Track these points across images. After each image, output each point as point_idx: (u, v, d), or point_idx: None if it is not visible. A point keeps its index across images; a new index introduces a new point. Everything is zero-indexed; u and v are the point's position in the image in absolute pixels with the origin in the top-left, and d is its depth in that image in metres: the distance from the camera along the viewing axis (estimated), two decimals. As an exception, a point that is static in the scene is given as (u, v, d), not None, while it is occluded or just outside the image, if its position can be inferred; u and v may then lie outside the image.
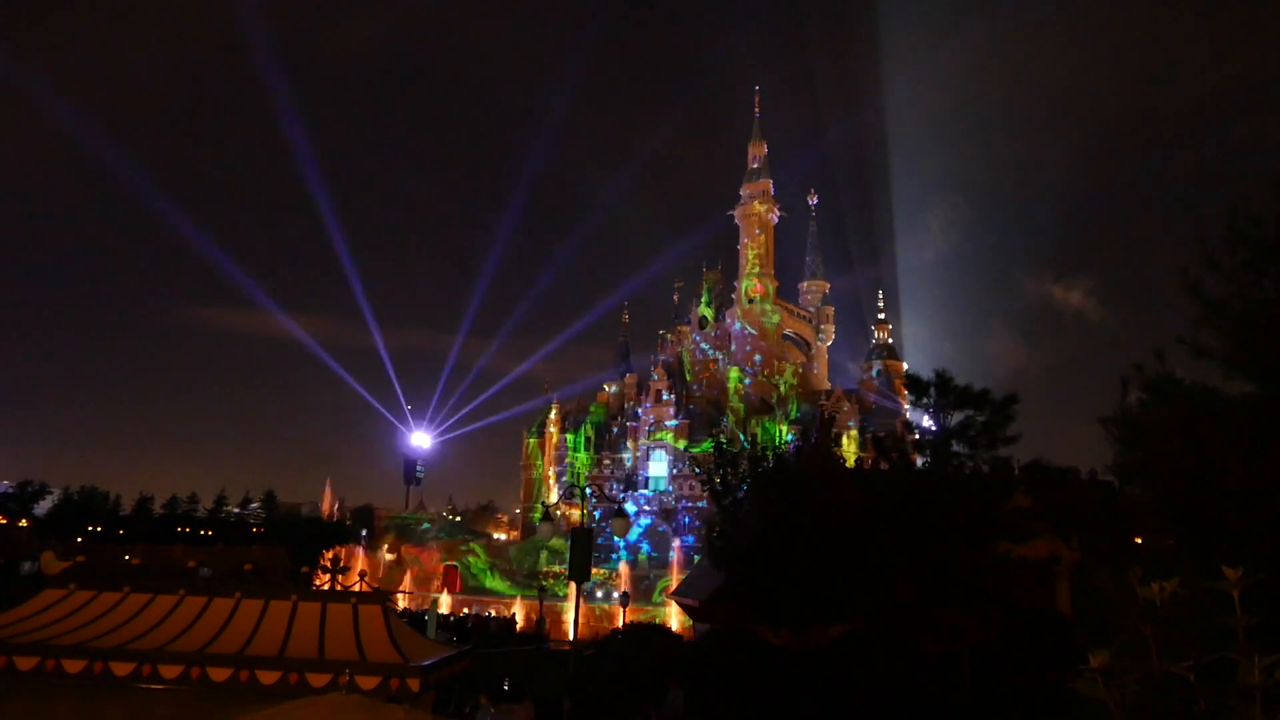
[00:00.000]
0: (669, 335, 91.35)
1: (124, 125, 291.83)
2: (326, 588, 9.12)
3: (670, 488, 77.58)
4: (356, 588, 9.01)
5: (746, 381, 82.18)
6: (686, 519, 73.08)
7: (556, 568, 61.37)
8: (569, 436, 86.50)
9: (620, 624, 37.49)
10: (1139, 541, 11.80)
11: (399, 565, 60.75)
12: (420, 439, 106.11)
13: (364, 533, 79.34)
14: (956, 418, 17.89)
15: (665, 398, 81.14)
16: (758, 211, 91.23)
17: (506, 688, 17.84)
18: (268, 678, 7.54)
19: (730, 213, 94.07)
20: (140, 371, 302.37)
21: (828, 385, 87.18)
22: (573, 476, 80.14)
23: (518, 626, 47.51)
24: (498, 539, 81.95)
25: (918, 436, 18.65)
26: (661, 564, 66.21)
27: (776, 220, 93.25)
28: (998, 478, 17.57)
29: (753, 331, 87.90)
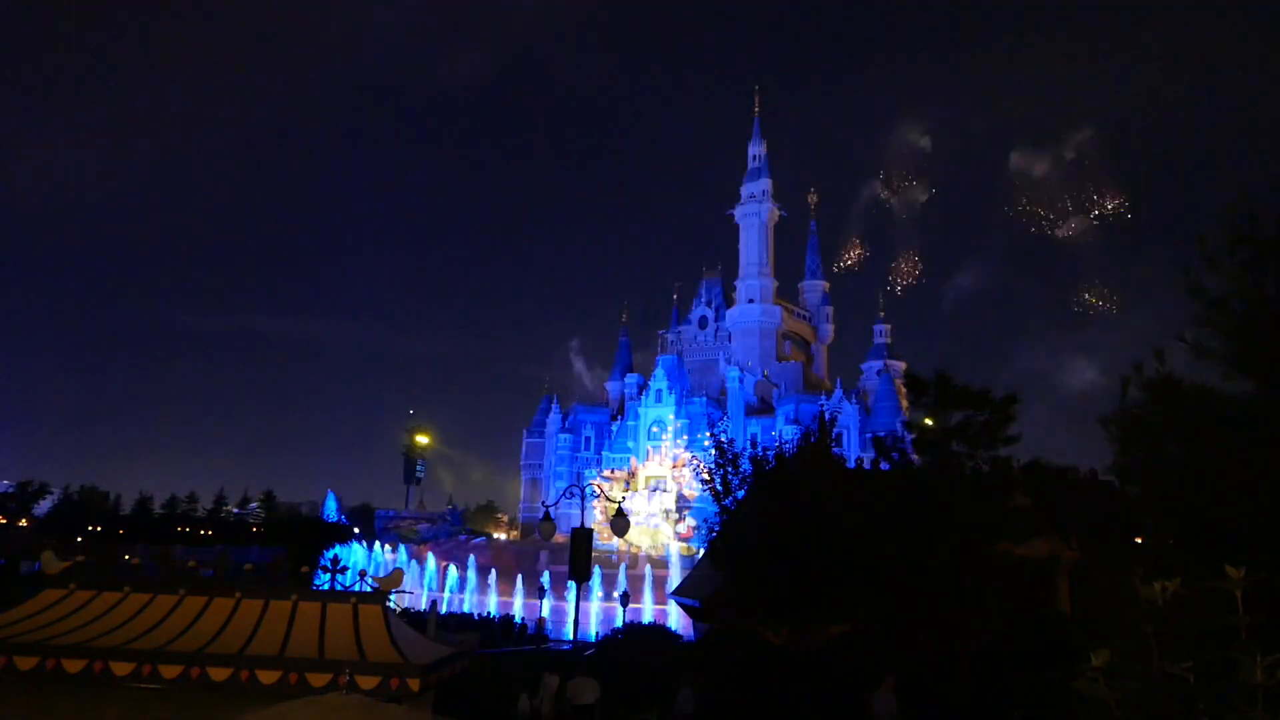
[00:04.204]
0: (669, 335, 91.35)
1: (137, 130, 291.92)
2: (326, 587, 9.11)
3: (671, 488, 77.58)
4: (356, 588, 9.00)
5: (747, 381, 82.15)
6: (686, 519, 73.11)
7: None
8: (569, 436, 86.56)
9: (620, 623, 37.44)
10: (1139, 541, 11.79)
11: (399, 565, 60.74)
12: (421, 438, 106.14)
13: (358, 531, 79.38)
14: (956, 418, 17.88)
15: (665, 397, 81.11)
16: (757, 211, 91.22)
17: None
18: (268, 678, 7.53)
19: (730, 212, 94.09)
20: (140, 372, 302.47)
21: (828, 385, 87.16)
22: (573, 476, 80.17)
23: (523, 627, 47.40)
24: (498, 538, 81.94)
25: (917, 436, 18.63)
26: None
27: (776, 220, 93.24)
28: (998, 478, 17.56)
29: (752, 331, 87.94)
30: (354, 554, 69.53)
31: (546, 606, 52.57)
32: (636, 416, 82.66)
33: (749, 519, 20.56)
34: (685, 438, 78.33)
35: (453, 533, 79.34)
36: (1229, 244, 7.86)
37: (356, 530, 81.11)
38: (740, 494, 21.94)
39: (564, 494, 20.92)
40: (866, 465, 22.14)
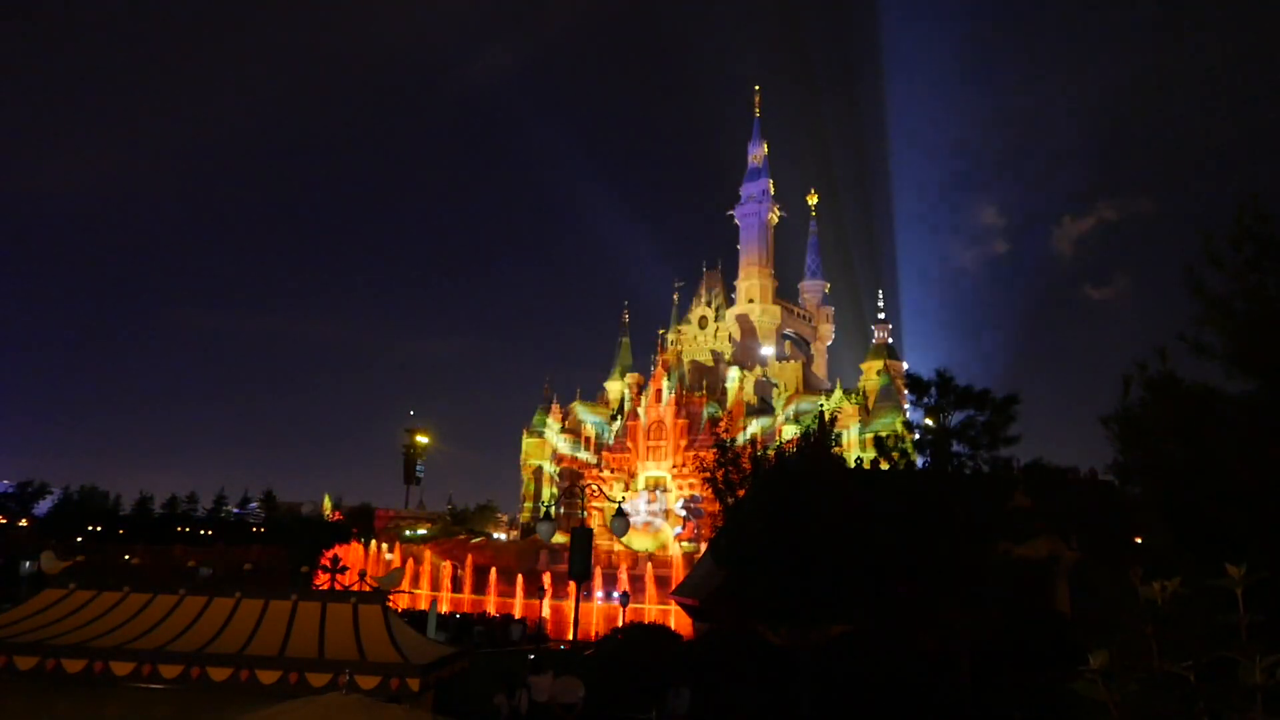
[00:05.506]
0: (669, 335, 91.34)
1: (138, 129, 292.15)
2: (326, 588, 9.11)
3: (671, 487, 77.58)
4: (356, 588, 9.00)
5: (747, 381, 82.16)
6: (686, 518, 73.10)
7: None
8: (569, 436, 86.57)
9: (620, 623, 37.46)
10: (1139, 541, 11.78)
11: (399, 565, 60.72)
12: (421, 438, 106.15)
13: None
14: (957, 418, 17.87)
15: (665, 397, 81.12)
16: (757, 211, 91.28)
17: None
18: (268, 677, 7.52)
19: (730, 213, 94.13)
20: (141, 371, 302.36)
21: (828, 385, 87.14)
22: (572, 476, 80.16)
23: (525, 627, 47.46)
24: (498, 538, 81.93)
25: (918, 436, 18.62)
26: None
27: (776, 220, 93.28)
28: (998, 478, 17.54)
29: (752, 331, 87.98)
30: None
31: (547, 606, 52.60)
32: (636, 416, 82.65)
33: (749, 519, 20.55)
34: (686, 438, 78.32)
35: (452, 533, 79.29)
36: (1233, 243, 7.84)
37: (355, 530, 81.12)
38: (741, 494, 21.94)
39: (564, 494, 20.88)
40: (866, 465, 22.14)
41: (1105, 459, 9.78)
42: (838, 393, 76.57)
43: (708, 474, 23.72)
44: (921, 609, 16.83)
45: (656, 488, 78.71)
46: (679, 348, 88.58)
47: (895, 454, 19.01)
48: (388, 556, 68.88)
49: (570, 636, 33.66)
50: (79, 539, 76.25)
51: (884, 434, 21.88)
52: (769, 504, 19.61)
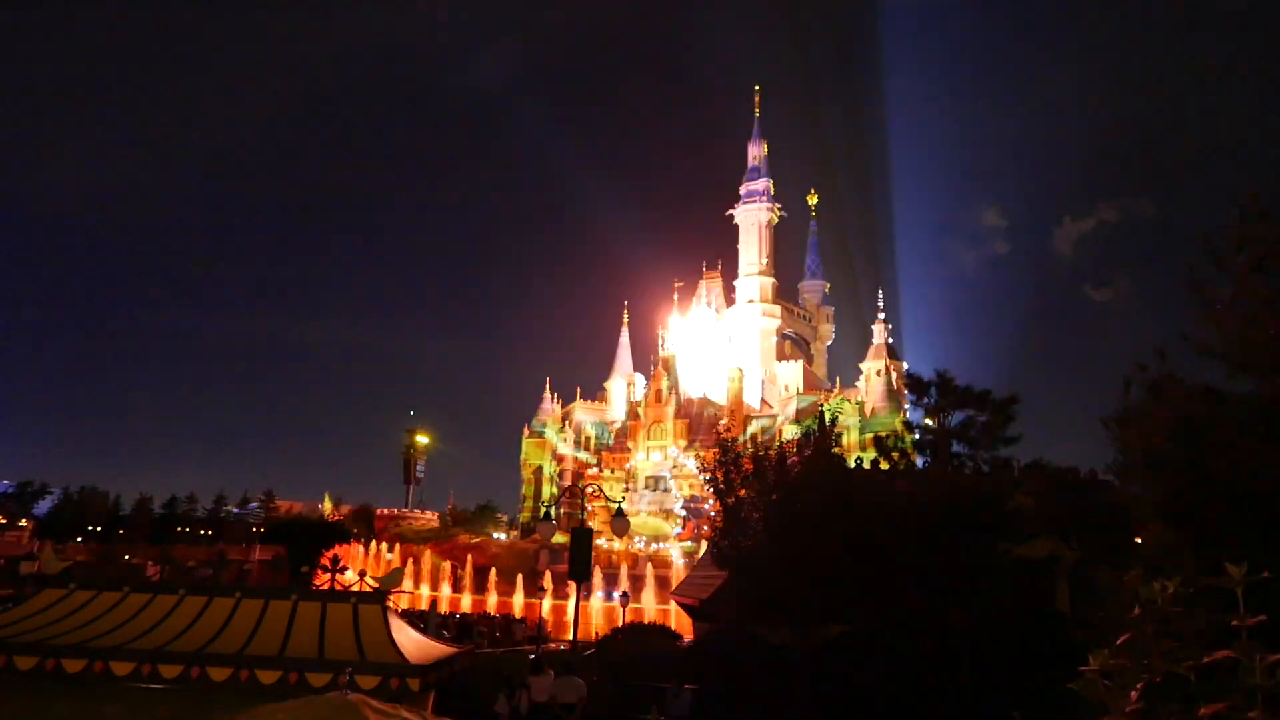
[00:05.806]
0: (669, 334, 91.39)
1: (136, 129, 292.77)
2: (326, 588, 9.11)
3: (671, 487, 77.63)
4: (356, 587, 9.00)
5: (747, 381, 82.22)
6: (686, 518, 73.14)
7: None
8: (569, 436, 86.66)
9: (620, 623, 37.50)
10: (1139, 541, 11.79)
11: (399, 565, 60.72)
12: (421, 438, 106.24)
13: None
14: (957, 418, 17.88)
15: (665, 396, 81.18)
16: (757, 211, 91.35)
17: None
18: (268, 677, 7.53)
19: (730, 213, 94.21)
20: (140, 372, 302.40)
21: (828, 385, 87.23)
22: (573, 476, 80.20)
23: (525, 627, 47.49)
24: (498, 538, 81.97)
25: (918, 436, 18.64)
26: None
27: (776, 220, 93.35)
28: (998, 478, 17.56)
29: (752, 331, 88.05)
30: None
31: (547, 606, 52.66)
32: (636, 416, 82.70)
33: (749, 518, 20.57)
34: (686, 438, 78.39)
35: (452, 533, 79.28)
36: (1233, 243, 7.85)
37: (355, 530, 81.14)
38: (741, 494, 21.95)
39: (564, 494, 20.92)
40: (866, 465, 22.13)
41: (1105, 459, 9.80)
42: (838, 393, 76.61)
43: (708, 474, 23.73)
44: (921, 609, 16.82)
45: (657, 488, 78.76)
46: (679, 348, 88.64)
47: (895, 454, 19.01)
48: (388, 556, 68.87)
49: (570, 636, 33.69)
50: (79, 539, 76.36)
51: (884, 434, 21.88)
52: (769, 504, 19.63)
